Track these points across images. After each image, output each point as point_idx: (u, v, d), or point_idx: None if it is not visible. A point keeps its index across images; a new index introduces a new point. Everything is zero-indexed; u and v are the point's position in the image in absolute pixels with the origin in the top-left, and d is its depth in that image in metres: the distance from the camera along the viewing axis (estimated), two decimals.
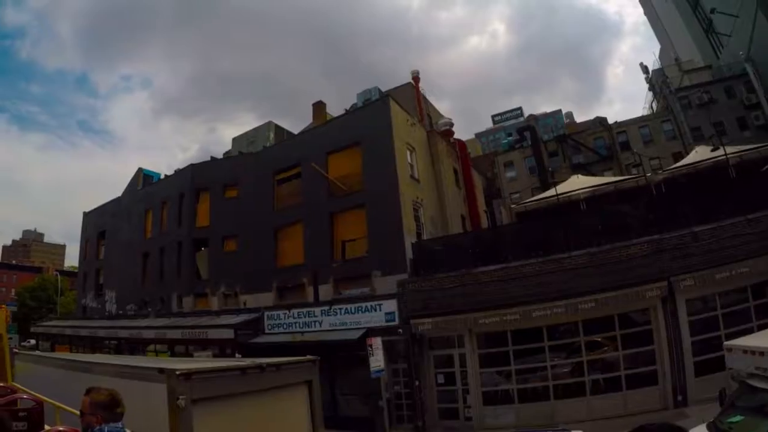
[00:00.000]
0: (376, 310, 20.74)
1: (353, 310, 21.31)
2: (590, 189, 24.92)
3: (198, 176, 27.90)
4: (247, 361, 8.20)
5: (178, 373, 6.07)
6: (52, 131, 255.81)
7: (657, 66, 39.81)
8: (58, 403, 6.55)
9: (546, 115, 49.68)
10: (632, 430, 4.67)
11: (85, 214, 37.31)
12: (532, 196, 34.98)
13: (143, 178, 32.52)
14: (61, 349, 28.67)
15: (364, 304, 21.13)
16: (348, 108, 30.24)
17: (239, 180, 26.93)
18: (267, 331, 22.76)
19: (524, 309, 16.04)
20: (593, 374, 15.49)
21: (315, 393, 8.88)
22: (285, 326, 22.51)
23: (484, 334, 17.27)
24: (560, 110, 40.47)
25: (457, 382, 17.63)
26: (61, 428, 4.47)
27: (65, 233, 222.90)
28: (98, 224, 35.14)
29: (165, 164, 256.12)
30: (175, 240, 28.14)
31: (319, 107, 34.31)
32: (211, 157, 30.15)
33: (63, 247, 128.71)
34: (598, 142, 34.57)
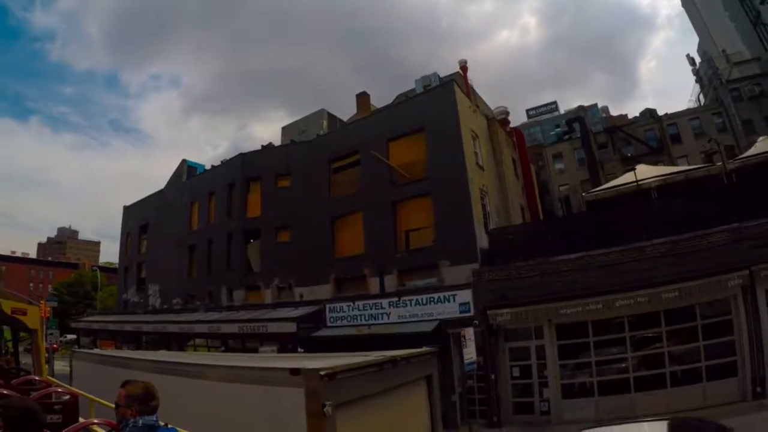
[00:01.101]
0: (449, 301, 18.81)
1: (424, 301, 19.29)
2: (662, 177, 22.70)
3: (248, 165, 25.76)
4: (374, 355, 6.54)
5: (322, 373, 4.81)
6: (84, 131, 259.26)
7: (697, 59, 37.45)
8: (92, 396, 6.19)
9: (581, 110, 47.17)
10: (674, 420, 3.64)
11: (126, 209, 35.22)
12: (582, 188, 32.75)
13: (187, 169, 30.20)
14: (105, 344, 26.50)
15: (435, 295, 19.21)
16: (392, 97, 27.96)
17: (292, 169, 24.78)
18: (329, 324, 20.55)
19: (607, 299, 14.79)
20: (673, 366, 14.43)
21: (435, 388, 7.44)
22: (349, 319, 20.31)
23: (561, 325, 15.86)
24: (596, 104, 38.20)
25: (534, 375, 16.22)
26: (95, 420, 4.12)
27: (98, 231, 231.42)
28: (140, 218, 33.00)
29: (195, 161, 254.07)
30: (224, 231, 25.94)
31: (363, 98, 32.22)
32: (262, 146, 27.87)
33: (98, 243, 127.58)
34: (649, 134, 32.30)
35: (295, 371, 4.89)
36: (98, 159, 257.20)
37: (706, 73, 34.84)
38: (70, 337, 37.07)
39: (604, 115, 41.01)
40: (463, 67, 33.01)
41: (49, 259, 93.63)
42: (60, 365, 30.49)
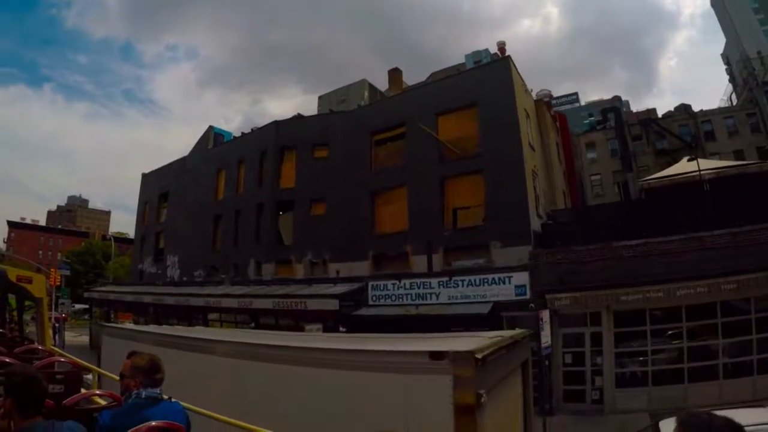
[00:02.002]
0: (504, 283, 17.28)
1: (477, 282, 17.70)
2: (715, 170, 21.20)
3: (283, 133, 23.69)
4: (489, 335, 5.43)
5: (479, 356, 3.85)
6: (98, 100, 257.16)
7: (721, 60, 35.94)
8: (95, 368, 6.10)
9: (602, 102, 45.51)
10: (682, 414, 1.77)
11: (145, 176, 32.85)
12: (613, 179, 31.18)
13: (214, 137, 27.85)
14: (123, 317, 24.13)
15: (489, 276, 17.60)
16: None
17: (330, 139, 22.73)
18: (370, 302, 18.62)
19: (668, 287, 14.11)
20: (725, 357, 13.97)
21: (530, 374, 6.43)
22: (393, 298, 18.46)
23: (618, 313, 15.06)
24: (619, 97, 36.65)
25: (587, 363, 15.21)
26: (98, 391, 4.06)
27: (109, 201, 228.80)
28: (160, 186, 30.64)
29: (208, 135, 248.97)
30: (254, 202, 23.83)
31: (395, 75, 30.07)
32: (298, 114, 25.65)
33: (108, 213, 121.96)
34: (683, 130, 30.72)
35: (437, 354, 3.95)
36: (111, 129, 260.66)
37: (741, 73, 33.39)
38: (80, 306, 34.62)
39: (624, 109, 39.47)
40: (502, 48, 31.48)
41: (59, 227, 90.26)
42: (70, 336, 28.18)
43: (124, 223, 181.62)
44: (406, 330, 11.17)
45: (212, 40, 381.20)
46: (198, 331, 10.57)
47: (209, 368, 6.63)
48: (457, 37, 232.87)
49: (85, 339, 30.57)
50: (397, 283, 18.47)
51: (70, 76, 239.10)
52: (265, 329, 18.87)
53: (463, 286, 17.69)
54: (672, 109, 33.61)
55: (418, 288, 18.20)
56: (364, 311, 18.32)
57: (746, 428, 1.53)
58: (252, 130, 27.33)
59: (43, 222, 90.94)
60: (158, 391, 2.91)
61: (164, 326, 14.11)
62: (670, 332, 14.53)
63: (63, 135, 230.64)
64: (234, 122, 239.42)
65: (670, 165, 30.98)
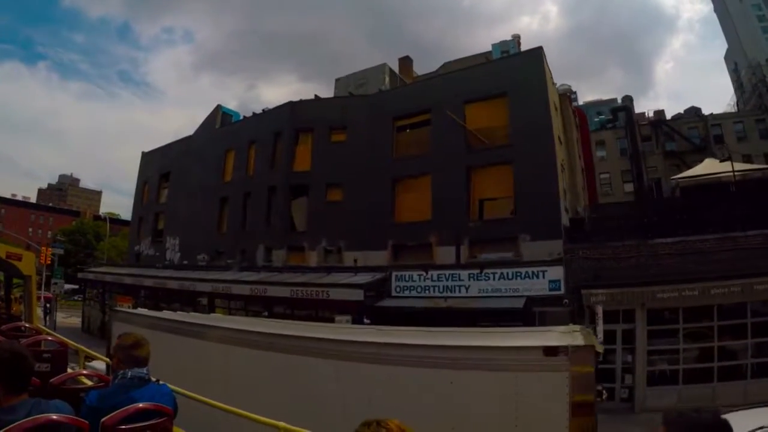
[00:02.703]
0: (538, 277, 16.41)
1: (509, 276, 16.59)
2: (742, 172, 20.57)
3: (299, 115, 22.03)
4: (561, 329, 4.63)
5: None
6: (92, 80, 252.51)
7: (723, 65, 35.56)
8: (82, 347, 5.95)
9: (601, 103, 44.87)
10: (669, 413, 1.68)
11: (145, 155, 30.76)
12: (622, 178, 30.42)
13: (221, 116, 25.95)
14: (123, 300, 22.28)
15: (523, 270, 16.53)
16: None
17: (349, 123, 21.28)
18: (394, 293, 17.27)
19: (704, 285, 13.84)
20: (752, 358, 13.74)
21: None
22: (419, 289, 17.22)
23: (651, 310, 14.66)
24: (616, 99, 35.92)
25: (617, 361, 14.63)
26: (84, 371, 4.06)
27: (99, 181, 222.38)
28: (161, 165, 28.64)
29: (201, 120, 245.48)
30: (264, 184, 22.25)
31: (405, 63, 28.63)
32: (315, 96, 23.92)
33: (99, 193, 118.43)
34: (692, 132, 30.11)
35: (552, 350, 3.56)
36: (104, 109, 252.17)
37: (750, 79, 32.95)
38: (69, 287, 32.41)
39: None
40: (518, 42, 30.18)
41: (50, 205, 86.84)
42: (59, 318, 26.07)
43: (114, 203, 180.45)
44: (436, 323, 10.13)
45: (209, 24, 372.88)
46: (229, 320, 9.12)
47: (261, 365, 5.54)
48: (456, 32, 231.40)
49: (75, 320, 28.55)
50: (424, 274, 17.25)
51: (66, 54, 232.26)
52: (278, 319, 17.48)
53: (494, 279, 16.66)
54: (682, 112, 32.96)
55: (447, 280, 17.08)
56: (387, 302, 17.04)
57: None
58: (263, 110, 25.48)
59: (33, 200, 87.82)
60: (145, 371, 2.78)
61: (190, 314, 12.58)
62: (687, 331, 14.23)
63: (56, 113, 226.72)
64: (228, 107, 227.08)
65: (678, 167, 30.47)
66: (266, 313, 18.30)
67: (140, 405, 2.55)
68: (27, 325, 5.95)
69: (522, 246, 17.57)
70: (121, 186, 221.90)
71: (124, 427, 2.45)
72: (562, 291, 15.87)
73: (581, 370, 3.53)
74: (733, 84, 36.23)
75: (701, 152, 29.66)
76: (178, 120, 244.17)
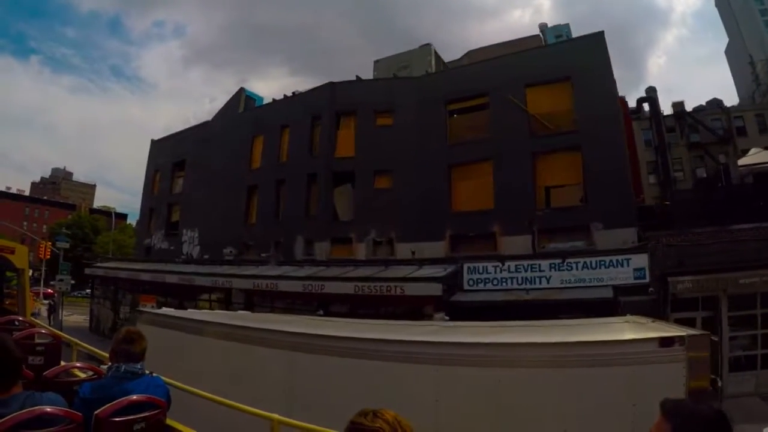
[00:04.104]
0: (622, 266, 15.18)
1: (594, 265, 15.27)
2: None
3: (340, 97, 20.20)
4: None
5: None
6: (84, 75, 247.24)
7: (718, 58, 35.75)
8: (75, 340, 5.90)
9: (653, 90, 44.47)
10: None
11: (155, 142, 28.17)
12: (646, 169, 29.88)
13: (245, 100, 23.66)
14: (147, 299, 19.86)
15: (607, 259, 15.32)
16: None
17: (396, 106, 19.56)
18: (466, 287, 15.75)
19: None
20: None
21: None
22: (495, 282, 15.91)
23: (731, 297, 14.27)
24: (654, 87, 35.50)
25: None
26: (77, 364, 3.85)
27: (91, 175, 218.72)
28: (174, 153, 26.17)
29: (192, 114, 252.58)
30: (302, 172, 20.36)
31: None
32: (357, 77, 21.96)
33: (93, 186, 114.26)
34: (716, 124, 29.89)
35: (667, 341, 3.50)
36: (96, 104, 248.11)
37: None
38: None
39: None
40: (544, 30, 29.13)
41: (45, 198, 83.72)
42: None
43: (108, 197, 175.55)
44: (516, 318, 8.88)
45: (199, 17, 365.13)
46: (296, 323, 7.47)
47: (349, 376, 4.64)
48: (450, 26, 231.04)
49: (78, 318, 25.73)
50: (500, 265, 15.76)
51: (58, 49, 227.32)
52: (341, 318, 15.76)
53: (577, 268, 15.33)
54: (704, 104, 32.76)
55: (525, 271, 15.65)
56: (461, 297, 15.50)
57: None
58: (293, 93, 23.34)
59: (27, 193, 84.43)
60: (139, 367, 2.73)
61: (239, 313, 10.79)
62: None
63: (48, 108, 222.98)
64: (218, 101, 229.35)
65: (702, 158, 30.31)
66: (321, 312, 16.47)
67: (134, 397, 2.55)
68: (20, 319, 5.72)
69: (595, 234, 16.72)
70: (113, 180, 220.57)
71: (117, 419, 2.44)
72: (647, 279, 14.84)
73: (696, 358, 3.43)
74: (745, 77, 36.27)
75: (725, 144, 29.57)
76: (169, 113, 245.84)
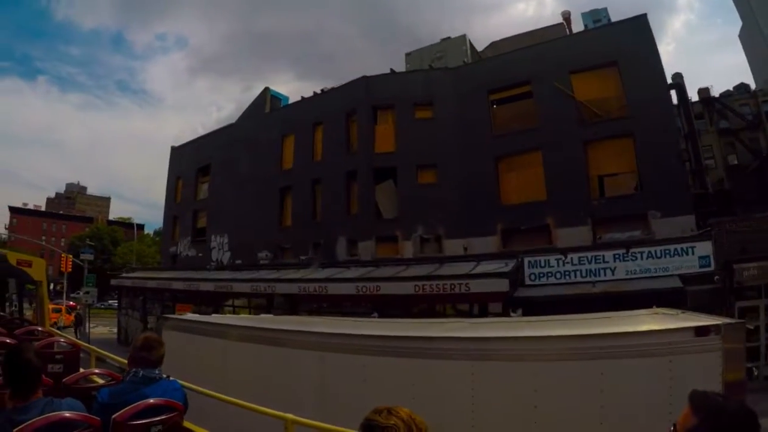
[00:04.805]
0: (687, 254, 14.98)
1: (658, 254, 15.16)
2: None
3: (375, 91, 19.98)
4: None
5: (751, 327, 2.94)
6: (91, 91, 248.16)
7: (737, 44, 35.94)
8: (94, 348, 6.30)
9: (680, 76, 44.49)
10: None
11: (175, 149, 27.75)
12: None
13: (270, 100, 23.34)
14: (184, 308, 19.43)
15: (672, 247, 15.12)
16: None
17: (435, 98, 19.32)
18: (528, 282, 15.51)
19: None
20: None
21: None
22: (558, 275, 15.64)
23: None
24: (680, 74, 35.42)
25: (762, 338, 13.73)
26: (96, 370, 4.03)
27: (104, 189, 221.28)
28: (197, 158, 25.87)
29: (200, 123, 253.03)
30: (340, 170, 20.12)
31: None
32: (391, 69, 21.70)
33: (108, 199, 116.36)
34: (744, 109, 29.93)
35: (703, 330, 3.51)
36: (104, 119, 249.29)
37: None
38: (79, 293, 29.17)
39: None
40: (567, 18, 29.04)
41: (61, 212, 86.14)
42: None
43: (122, 210, 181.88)
44: (585, 311, 8.68)
45: (201, 27, 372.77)
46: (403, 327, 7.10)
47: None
48: (453, 21, 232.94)
49: (102, 330, 25.21)
50: (562, 258, 15.52)
51: (63, 68, 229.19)
52: (398, 319, 15.47)
53: (642, 258, 15.11)
54: (731, 89, 32.82)
55: (589, 263, 15.39)
56: (524, 292, 15.22)
57: None
58: (322, 90, 23.04)
59: (43, 209, 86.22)
60: (156, 372, 2.81)
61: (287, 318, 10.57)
62: None
63: (57, 125, 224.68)
64: (225, 110, 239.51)
65: (732, 145, 30.32)
66: (376, 314, 16.12)
67: (151, 401, 2.61)
68: (40, 329, 6.04)
69: (653, 223, 16.54)
70: (124, 193, 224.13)
71: (135, 422, 2.49)
72: (712, 267, 14.64)
73: (732, 348, 3.44)
74: (761, 60, 36.36)
75: (754, 129, 29.61)
76: (177, 125, 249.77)
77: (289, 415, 3.32)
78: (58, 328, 22.39)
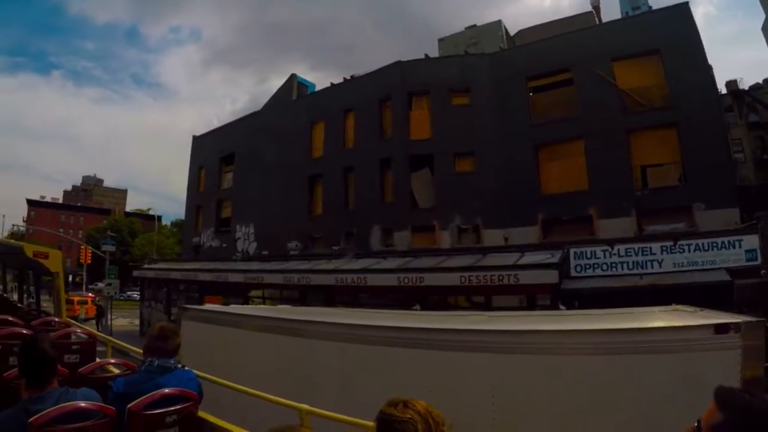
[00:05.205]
0: (734, 247, 14.97)
1: (705, 247, 15.08)
2: None
3: (410, 76, 19.82)
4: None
5: None
6: (106, 85, 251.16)
7: (760, 37, 35.71)
8: (110, 338, 6.47)
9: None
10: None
11: (196, 138, 27.52)
12: None
13: (297, 86, 23.13)
14: (213, 300, 19.29)
15: (719, 240, 15.09)
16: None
17: (472, 84, 19.11)
18: (574, 273, 15.42)
19: None
20: None
21: None
22: (604, 267, 15.48)
23: None
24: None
25: None
26: (111, 360, 4.15)
27: (120, 182, 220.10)
28: (220, 147, 25.72)
29: (214, 116, 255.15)
30: (374, 157, 20.03)
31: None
32: (425, 55, 21.51)
33: (124, 191, 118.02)
34: None
35: (722, 327, 3.53)
36: (120, 112, 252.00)
37: None
38: (102, 285, 29.22)
39: None
40: (596, 7, 29.00)
41: (79, 204, 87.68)
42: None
43: (139, 202, 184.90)
44: (630, 305, 8.60)
45: (214, 19, 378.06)
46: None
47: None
48: (469, 11, 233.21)
49: (122, 322, 25.10)
50: (609, 249, 15.41)
51: (78, 62, 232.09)
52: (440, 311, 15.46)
53: (689, 251, 15.03)
54: (760, 82, 32.63)
55: (636, 255, 15.29)
56: (569, 284, 15.15)
57: None
58: (351, 77, 22.84)
59: (60, 201, 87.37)
60: (172, 362, 2.84)
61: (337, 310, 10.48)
62: None
63: (73, 119, 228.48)
64: (239, 102, 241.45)
65: (762, 138, 30.20)
66: (417, 306, 16.02)
67: (166, 390, 2.64)
68: (57, 320, 6.15)
69: (697, 215, 16.47)
70: (140, 185, 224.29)
71: (150, 412, 2.53)
72: (759, 261, 14.54)
73: (751, 345, 3.45)
74: None
75: None
76: (191, 117, 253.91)
77: (304, 406, 3.34)
78: (81, 320, 22.36)
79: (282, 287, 19.15)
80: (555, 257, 15.50)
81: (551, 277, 14.42)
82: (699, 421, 1.40)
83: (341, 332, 5.20)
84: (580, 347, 3.90)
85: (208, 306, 10.40)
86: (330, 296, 18.18)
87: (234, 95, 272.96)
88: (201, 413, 2.90)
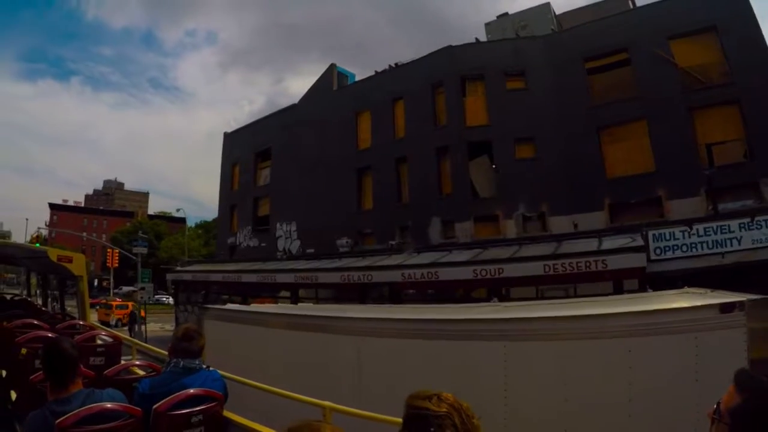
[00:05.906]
0: None
1: None
2: None
3: (462, 61, 19.80)
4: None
5: None
6: (124, 90, 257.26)
7: None
8: (135, 341, 6.91)
9: None
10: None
11: (228, 135, 26.88)
12: None
13: (338, 76, 22.78)
14: (262, 301, 18.99)
15: None
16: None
17: (526, 68, 19.18)
18: (654, 256, 15.72)
19: None
20: None
21: None
22: (684, 248, 15.76)
23: None
24: None
25: None
26: (137, 362, 4.34)
27: (141, 185, 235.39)
28: (255, 143, 25.29)
29: (232, 117, 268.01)
30: (430, 146, 19.93)
31: None
32: (476, 39, 21.42)
33: (146, 194, 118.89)
34: None
35: (727, 306, 3.63)
36: (138, 116, 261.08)
37: None
38: (129, 289, 28.63)
39: None
40: None
41: (101, 208, 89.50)
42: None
43: (160, 205, 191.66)
44: (711, 286, 8.90)
45: (230, 22, 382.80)
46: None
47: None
48: (478, 3, 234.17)
49: (154, 327, 24.46)
50: (688, 230, 15.71)
51: (96, 68, 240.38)
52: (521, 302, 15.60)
53: (766, 227, 15.47)
54: None
55: (714, 234, 15.63)
56: (651, 267, 15.41)
57: None
58: (397, 65, 22.58)
59: (82, 205, 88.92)
60: (197, 362, 2.91)
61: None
62: None
63: (92, 124, 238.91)
64: (257, 103, 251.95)
65: None
66: (495, 299, 16.04)
67: (191, 391, 2.70)
68: (81, 323, 6.30)
69: (765, 191, 16.92)
70: (160, 188, 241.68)
71: (175, 412, 2.59)
72: None
73: (758, 326, 3.49)
74: None
75: None
76: (209, 119, 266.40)
77: (327, 403, 3.42)
78: (114, 327, 21.68)
79: (339, 287, 18.84)
80: (636, 240, 15.77)
81: (640, 260, 14.66)
82: (718, 404, 1.42)
83: (357, 326, 5.44)
84: (590, 331, 4.03)
85: (228, 306, 10.46)
86: (395, 293, 18.00)
87: (251, 96, 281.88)
88: (226, 413, 2.96)
